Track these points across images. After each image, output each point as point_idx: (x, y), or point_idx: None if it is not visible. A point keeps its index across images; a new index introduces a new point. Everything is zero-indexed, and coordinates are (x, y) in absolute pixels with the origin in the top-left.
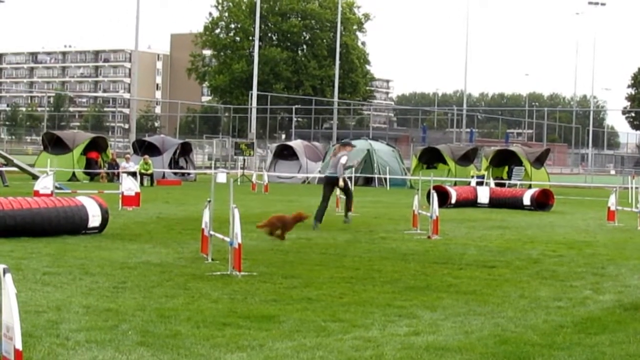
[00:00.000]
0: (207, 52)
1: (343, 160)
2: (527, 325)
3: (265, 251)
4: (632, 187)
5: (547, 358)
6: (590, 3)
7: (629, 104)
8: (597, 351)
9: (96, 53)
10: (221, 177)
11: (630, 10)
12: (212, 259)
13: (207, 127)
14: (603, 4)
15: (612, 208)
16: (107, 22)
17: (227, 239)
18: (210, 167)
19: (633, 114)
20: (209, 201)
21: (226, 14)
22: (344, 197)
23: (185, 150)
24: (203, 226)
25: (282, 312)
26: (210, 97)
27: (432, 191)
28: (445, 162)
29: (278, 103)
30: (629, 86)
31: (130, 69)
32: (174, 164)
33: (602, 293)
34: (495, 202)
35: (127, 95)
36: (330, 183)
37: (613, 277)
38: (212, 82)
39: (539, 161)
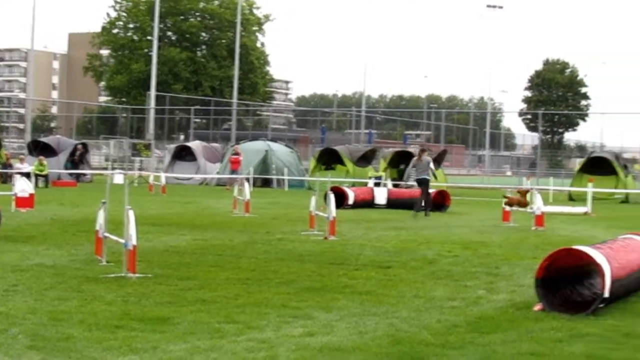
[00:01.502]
0: (106, 52)
1: (432, 164)
2: (421, 325)
3: (160, 253)
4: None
5: (440, 357)
6: (488, 6)
7: (525, 106)
8: (490, 350)
9: None
10: (118, 178)
11: (528, 14)
12: (107, 261)
13: (104, 128)
14: (501, 7)
15: (507, 209)
16: (2, 21)
17: (122, 241)
18: (107, 168)
19: (529, 116)
20: (104, 202)
21: (124, 14)
22: (240, 197)
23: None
24: (97, 228)
25: (176, 314)
26: (108, 98)
27: (330, 192)
28: (343, 163)
29: (177, 104)
30: (525, 88)
31: (25, 69)
32: (72, 164)
33: (496, 292)
34: (393, 203)
35: (22, 95)
36: (423, 183)
37: (507, 277)
38: (110, 82)
39: (437, 162)
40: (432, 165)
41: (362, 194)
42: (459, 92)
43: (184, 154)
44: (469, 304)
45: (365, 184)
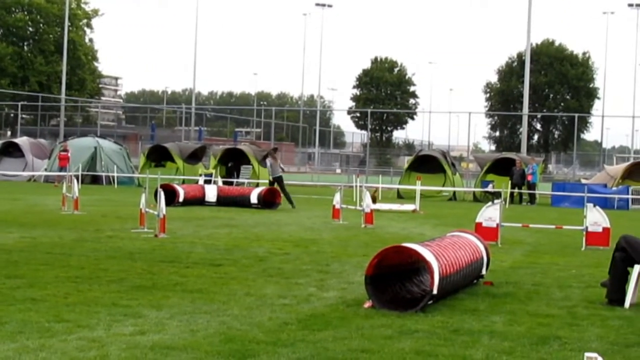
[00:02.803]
0: None
1: (281, 165)
2: (252, 323)
3: None
4: (356, 186)
5: (271, 355)
6: (317, 5)
7: (354, 104)
8: (321, 347)
9: None
10: None
11: (356, 13)
12: None
13: None
14: (330, 6)
15: (337, 206)
16: None
17: None
18: None
19: (358, 114)
20: None
21: None
22: (69, 194)
23: None
24: None
25: (4, 314)
26: None
27: (160, 189)
28: (173, 161)
29: (3, 99)
30: (354, 87)
31: None
32: None
33: (327, 290)
34: (223, 201)
35: None
36: (280, 181)
37: (337, 274)
38: None
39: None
40: (281, 165)
41: (192, 192)
42: (289, 90)
43: (11, 150)
44: (300, 302)
45: (196, 182)
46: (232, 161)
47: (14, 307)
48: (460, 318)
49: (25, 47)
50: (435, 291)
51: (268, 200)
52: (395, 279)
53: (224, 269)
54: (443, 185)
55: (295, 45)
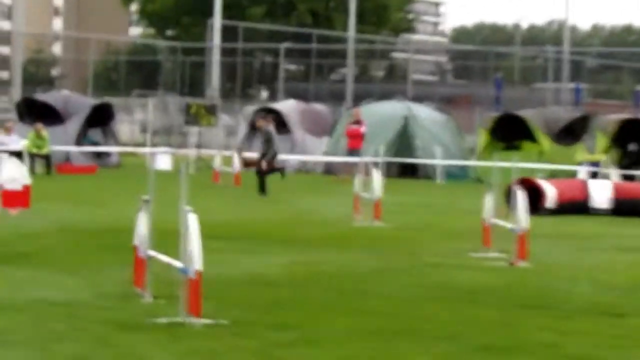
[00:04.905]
0: None
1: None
2: None
3: (240, 284)
4: None
5: None
6: None
7: None
8: None
9: None
10: (163, 161)
11: None
12: (153, 297)
13: (138, 79)
14: None
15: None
16: None
17: (178, 264)
18: (143, 145)
19: None
20: (146, 201)
21: None
22: (365, 194)
23: (102, 116)
24: (136, 242)
25: None
26: (143, 30)
27: (516, 188)
28: (534, 140)
29: (256, 39)
30: None
31: None
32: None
33: None
34: (622, 206)
35: (6, 26)
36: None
37: None
38: (147, 5)
39: None
40: None
41: (568, 191)
42: None
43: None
44: None
45: (573, 175)
46: (636, 140)
47: None
48: None
49: None
50: None
51: None
52: None
53: (629, 321)
54: None
55: None
